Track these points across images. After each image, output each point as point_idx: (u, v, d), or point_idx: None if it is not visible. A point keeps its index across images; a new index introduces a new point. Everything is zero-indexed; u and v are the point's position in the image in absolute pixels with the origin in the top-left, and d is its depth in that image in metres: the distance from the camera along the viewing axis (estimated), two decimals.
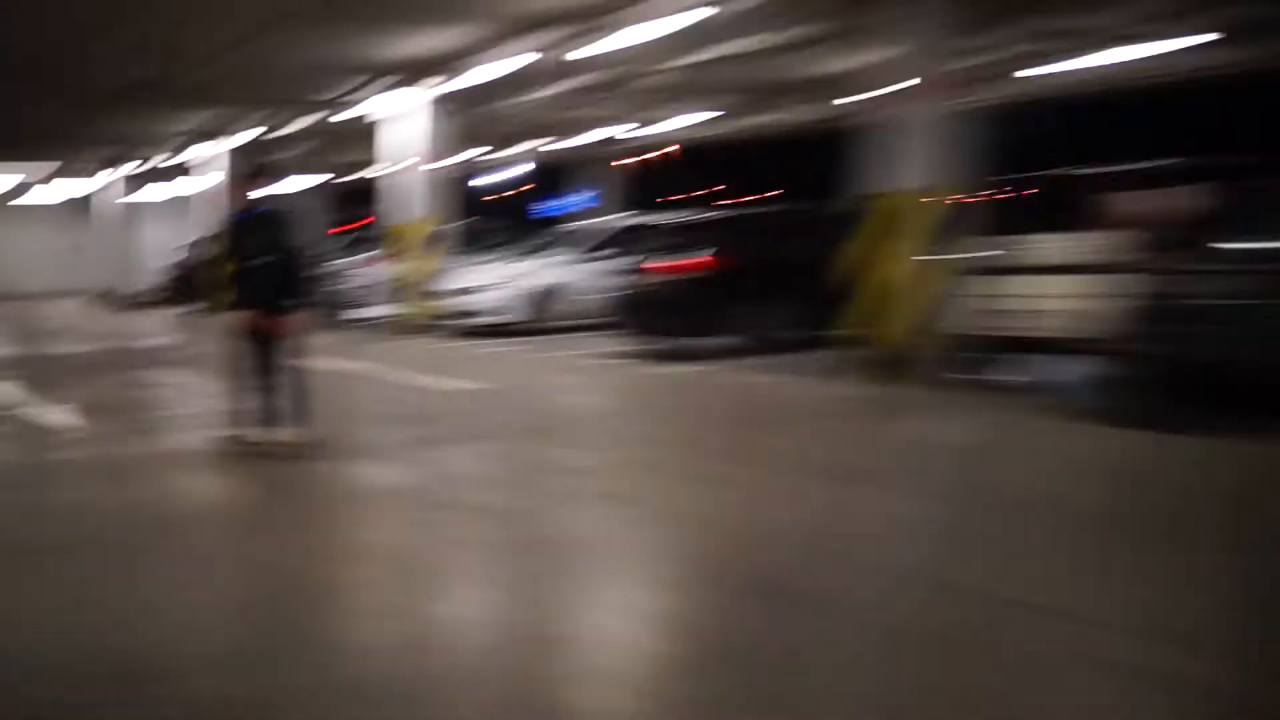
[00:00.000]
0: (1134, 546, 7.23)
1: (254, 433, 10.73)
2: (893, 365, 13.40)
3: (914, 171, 13.45)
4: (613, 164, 35.60)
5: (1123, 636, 5.67)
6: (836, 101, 24.05)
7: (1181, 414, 10.32)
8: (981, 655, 5.58)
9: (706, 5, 15.41)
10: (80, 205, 45.29)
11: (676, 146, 36.37)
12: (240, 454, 10.78)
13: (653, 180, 38.02)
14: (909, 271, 13.43)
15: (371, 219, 40.71)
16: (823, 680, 5.38)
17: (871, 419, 12.16)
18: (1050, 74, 20.93)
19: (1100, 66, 20.15)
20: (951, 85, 13.41)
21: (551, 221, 30.31)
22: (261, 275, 10.46)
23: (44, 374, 18.61)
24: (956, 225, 13.49)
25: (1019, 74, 20.39)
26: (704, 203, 24.16)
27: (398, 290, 22.75)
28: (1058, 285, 12.62)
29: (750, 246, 17.39)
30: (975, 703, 5.05)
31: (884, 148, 13.69)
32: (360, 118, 23.39)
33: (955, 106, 13.48)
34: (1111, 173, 13.13)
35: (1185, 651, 5.45)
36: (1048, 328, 12.65)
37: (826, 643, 5.79)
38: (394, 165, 23.49)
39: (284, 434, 10.65)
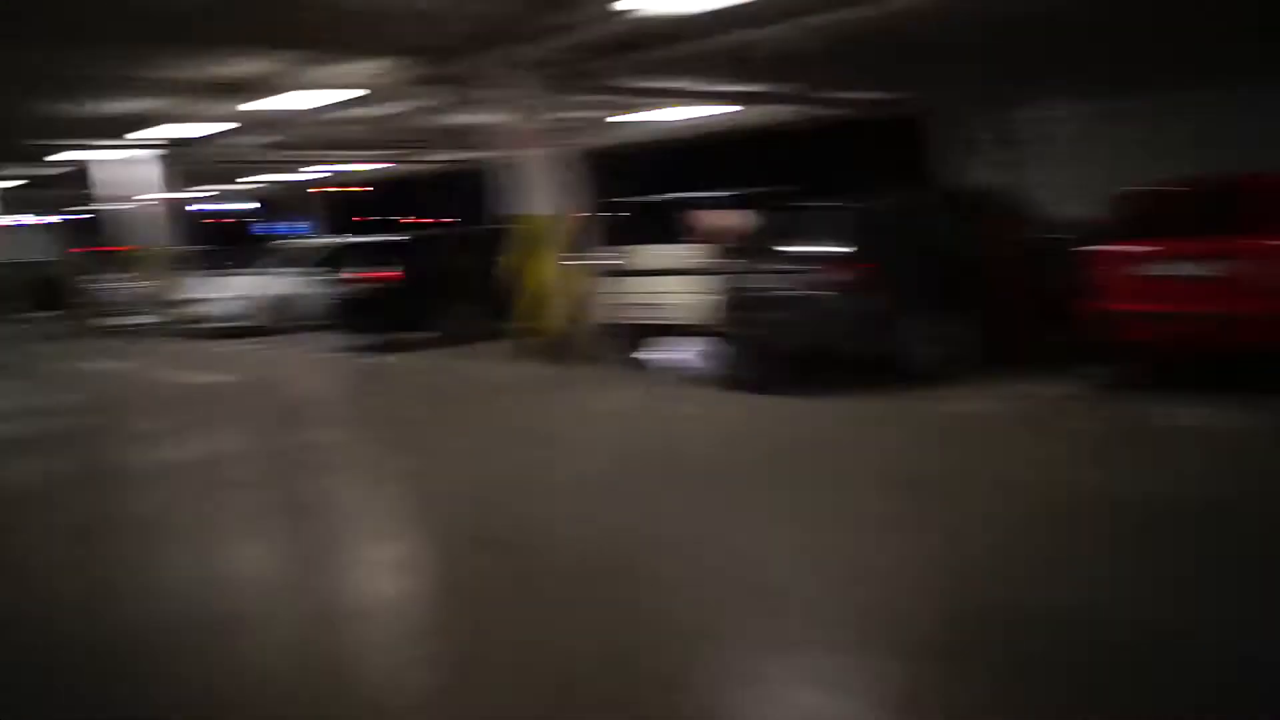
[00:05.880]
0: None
1: None
2: (554, 349, 13.70)
3: (545, 198, 13.82)
4: (312, 194, 35.00)
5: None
6: (475, 147, 24.39)
7: (769, 380, 11.06)
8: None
9: (359, 87, 15.56)
10: None
11: (366, 186, 36.20)
12: None
13: (355, 208, 37.61)
14: (554, 275, 13.79)
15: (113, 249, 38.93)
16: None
17: (535, 392, 12.36)
18: (635, 122, 21.58)
19: (670, 120, 21.18)
20: (544, 136, 13.83)
21: (276, 242, 29.50)
22: None
23: None
24: (586, 239, 13.97)
25: (610, 121, 20.93)
26: (398, 227, 24.12)
27: (148, 302, 21.95)
28: (670, 284, 13.19)
29: (432, 259, 17.49)
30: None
31: (517, 181, 14.03)
32: (74, 165, 22.40)
33: (560, 150, 13.92)
34: (695, 198, 13.93)
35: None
36: (667, 316, 13.27)
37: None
38: (116, 203, 22.69)
39: None
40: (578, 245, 13.95)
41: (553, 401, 11.82)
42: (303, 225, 36.04)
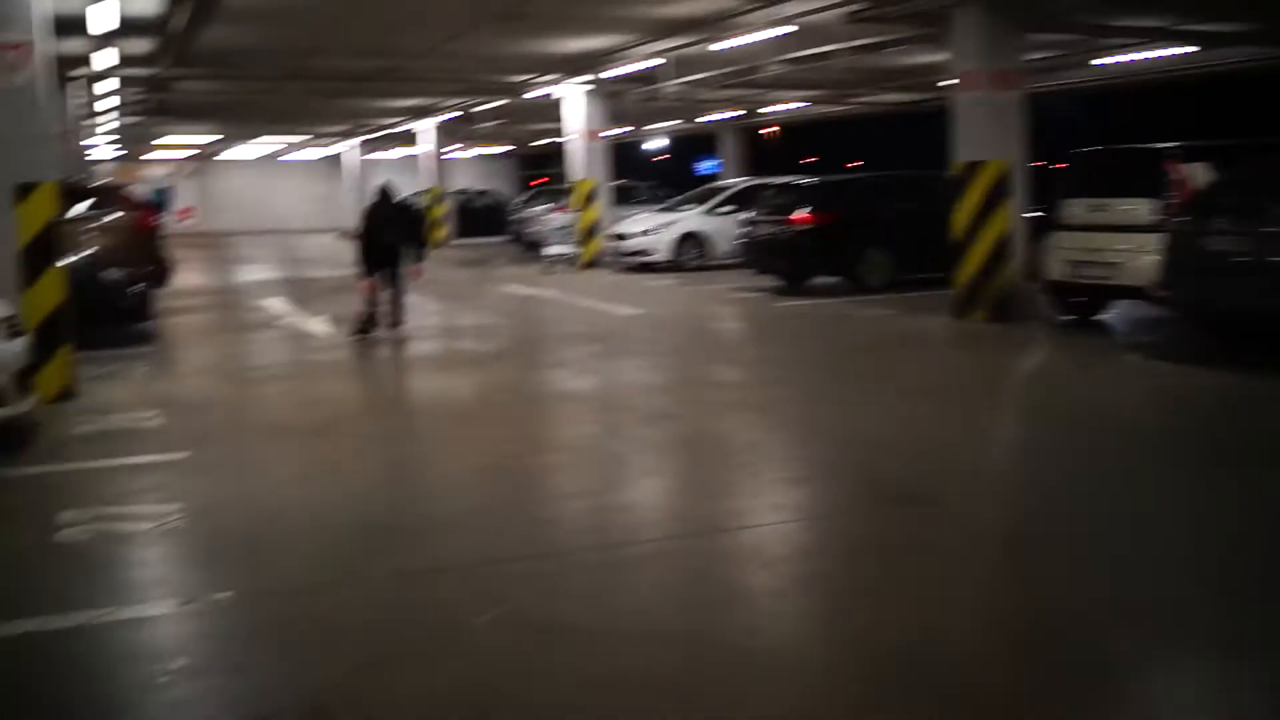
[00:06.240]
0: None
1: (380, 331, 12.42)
2: (987, 305, 12.83)
3: (991, 144, 12.85)
4: (738, 133, 34.90)
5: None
6: (919, 89, 23.43)
7: (1219, 353, 9.85)
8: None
9: (786, 24, 15.20)
10: (331, 161, 45.85)
11: (776, 128, 35.85)
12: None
13: (780, 150, 37.39)
14: (995, 226, 12.86)
15: (546, 179, 41.00)
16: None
17: (972, 350, 11.70)
18: (1089, 66, 19.93)
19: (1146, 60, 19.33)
20: (998, 77, 12.79)
21: (706, 181, 29.99)
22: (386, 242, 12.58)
23: (302, 293, 18.86)
24: (1031, 189, 12.93)
25: (1093, 63, 19.39)
26: (822, 170, 23.65)
27: (572, 233, 22.72)
28: (1124, 241, 11.80)
29: (853, 204, 16.91)
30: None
31: (962, 125, 13.13)
32: (541, 97, 23.26)
33: (1012, 94, 12.86)
34: (1159, 148, 12.34)
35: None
36: (1118, 276, 11.88)
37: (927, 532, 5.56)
38: (566, 136, 23.40)
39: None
40: (1022, 195, 12.97)
41: (976, 359, 11.14)
42: (719, 164, 36.41)
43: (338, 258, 23.99)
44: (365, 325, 12.44)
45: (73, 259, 10.72)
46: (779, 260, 17.31)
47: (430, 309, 15.87)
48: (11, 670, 4.09)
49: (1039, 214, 13.12)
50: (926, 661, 4.00)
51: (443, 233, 32.01)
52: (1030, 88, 13.67)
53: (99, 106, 23.75)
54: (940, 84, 17.43)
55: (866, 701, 3.73)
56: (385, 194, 12.84)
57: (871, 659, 4.04)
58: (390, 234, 12.55)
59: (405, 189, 35.74)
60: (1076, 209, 12.32)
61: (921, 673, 3.91)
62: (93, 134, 29.50)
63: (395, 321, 12.57)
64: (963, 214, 13.15)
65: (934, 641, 4.17)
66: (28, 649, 4.23)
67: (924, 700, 3.70)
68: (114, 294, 11.93)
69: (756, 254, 17.79)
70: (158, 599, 4.75)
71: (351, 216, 41.47)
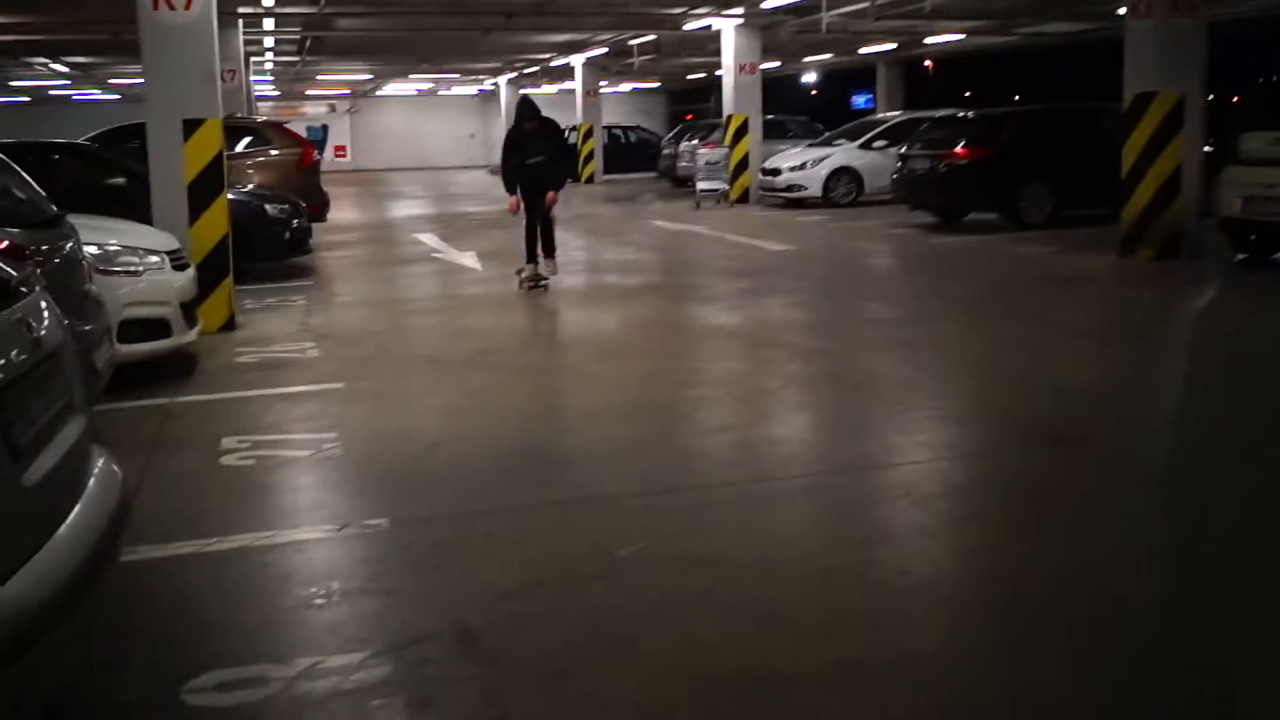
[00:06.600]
0: None
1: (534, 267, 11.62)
2: (1157, 243, 12.35)
3: (1165, 75, 12.25)
4: (894, 67, 33.99)
5: None
6: (1086, 18, 22.45)
7: None
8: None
9: None
10: (483, 98, 46.19)
11: (929, 63, 34.87)
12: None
13: (924, 84, 36.42)
14: (1180, 161, 12.30)
15: (691, 115, 40.72)
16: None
17: (1138, 288, 11.30)
18: None
19: None
20: (1193, 2, 12.13)
21: (845, 115, 29.46)
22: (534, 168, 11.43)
23: (454, 228, 19.13)
24: (1222, 122, 12.30)
25: None
26: (971, 106, 22.86)
27: (723, 169, 22.46)
28: None
29: (1014, 138, 16.37)
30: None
31: (1135, 54, 12.53)
32: (699, 30, 22.95)
33: (1190, 21, 12.20)
34: None
35: None
36: None
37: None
38: (719, 71, 23.09)
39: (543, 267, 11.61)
40: (1198, 128, 12.36)
41: (1141, 297, 10.77)
42: (871, 99, 35.67)
43: (489, 193, 24.29)
44: (535, 278, 11.50)
45: (236, 194, 11.06)
46: (934, 195, 16.91)
47: (578, 244, 15.94)
48: (175, 589, 4.25)
49: (1209, 148, 12.52)
50: (1081, 604, 3.87)
51: (591, 168, 32.10)
52: (1213, 13, 12.96)
53: (259, 45, 24.36)
54: (1115, 11, 16.57)
55: (1019, 640, 3.63)
56: (525, 107, 11.59)
57: (1023, 600, 3.93)
58: (535, 150, 11.37)
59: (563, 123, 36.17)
60: (1255, 143, 11.69)
61: (1076, 616, 3.79)
62: (253, 72, 30.29)
63: (546, 252, 11.58)
64: (1133, 147, 12.60)
65: (1087, 584, 4.03)
66: (192, 568, 4.39)
67: (1082, 641, 3.58)
68: (275, 228, 12.27)
69: (911, 189, 17.37)
70: (314, 524, 4.87)
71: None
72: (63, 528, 2.84)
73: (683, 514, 4.91)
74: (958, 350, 8.39)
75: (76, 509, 2.96)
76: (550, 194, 11.37)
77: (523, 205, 11.51)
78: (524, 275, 11.61)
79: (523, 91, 12.65)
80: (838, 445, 6.16)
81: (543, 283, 11.51)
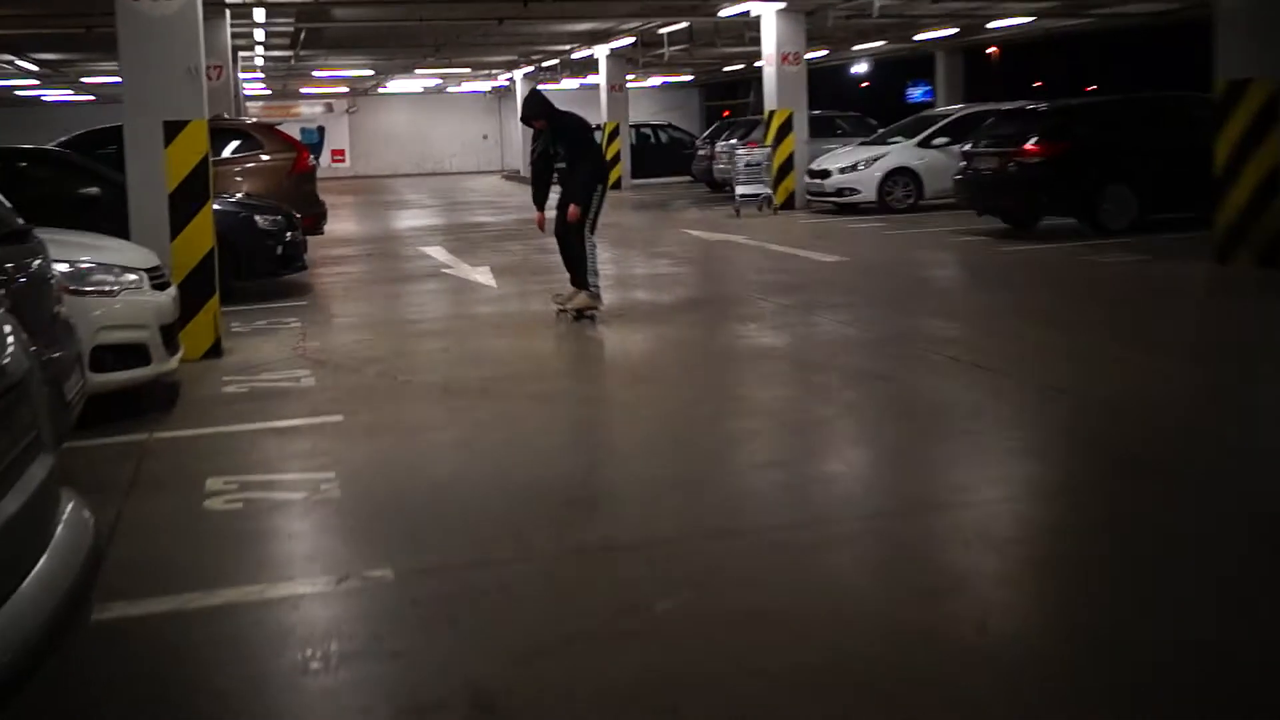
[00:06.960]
0: None
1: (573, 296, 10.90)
2: (1265, 249, 12.20)
3: (1270, 61, 12.13)
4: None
5: None
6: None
7: None
8: None
9: None
10: (497, 96, 46.36)
11: (994, 49, 34.79)
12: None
13: (988, 74, 36.37)
14: (1270, 156, 12.18)
15: (726, 113, 40.73)
16: None
17: (1237, 299, 11.16)
18: None
19: None
20: None
21: (900, 110, 29.46)
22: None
23: (465, 240, 19.17)
24: None
25: None
26: (1042, 97, 22.66)
27: (765, 171, 22.43)
28: None
29: (1089, 134, 16.28)
30: None
31: (1227, 39, 12.43)
32: (737, 16, 22.97)
33: None
34: None
35: None
36: None
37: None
38: (759, 62, 23.10)
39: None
40: None
41: (1241, 310, 10.64)
42: (929, 91, 35.63)
43: (505, 201, 24.38)
44: (583, 306, 10.74)
45: (223, 204, 11.10)
46: (1003, 199, 16.82)
47: (605, 257, 15.83)
48: (155, 651, 4.21)
49: None
50: (1193, 672, 3.77)
51: (617, 172, 32.15)
52: None
53: (248, 39, 24.54)
54: None
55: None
56: (528, 104, 10.99)
57: (1122, 666, 3.82)
58: (558, 155, 10.68)
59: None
60: None
61: (1191, 687, 3.69)
62: (242, 69, 30.53)
63: (574, 281, 10.81)
64: (1225, 142, 12.48)
65: (1191, 645, 3.93)
66: (172, 628, 4.35)
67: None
68: (266, 242, 12.30)
69: (976, 192, 17.28)
70: (310, 575, 4.83)
71: (520, 155, 42.60)
72: (26, 582, 2.80)
73: (728, 563, 4.85)
74: (1035, 373, 8.28)
75: (42, 560, 2.93)
76: (571, 208, 10.58)
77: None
78: (563, 301, 10.96)
79: (537, 86, 12.18)
80: (901, 482, 6.09)
81: (588, 314, 10.79)
